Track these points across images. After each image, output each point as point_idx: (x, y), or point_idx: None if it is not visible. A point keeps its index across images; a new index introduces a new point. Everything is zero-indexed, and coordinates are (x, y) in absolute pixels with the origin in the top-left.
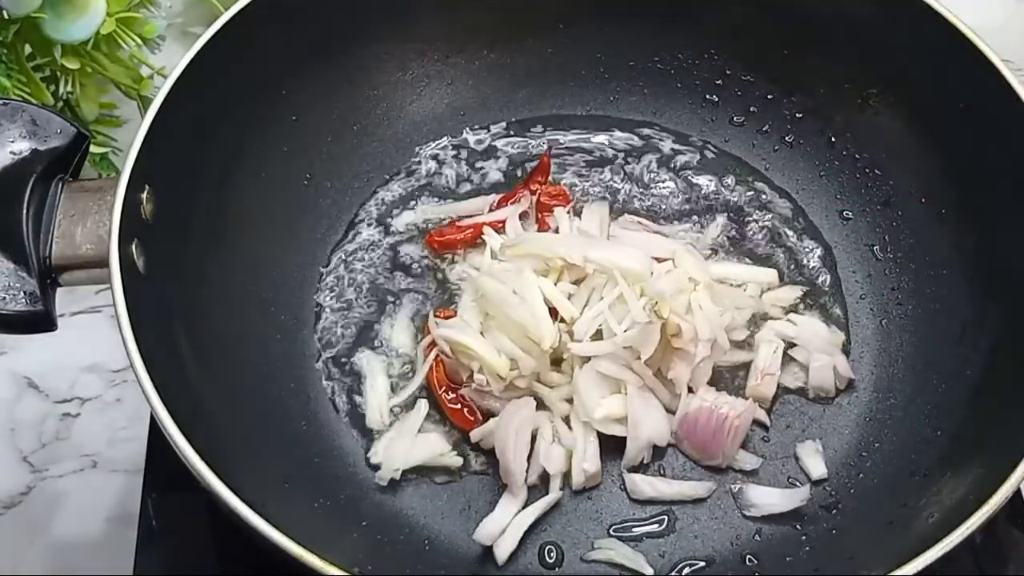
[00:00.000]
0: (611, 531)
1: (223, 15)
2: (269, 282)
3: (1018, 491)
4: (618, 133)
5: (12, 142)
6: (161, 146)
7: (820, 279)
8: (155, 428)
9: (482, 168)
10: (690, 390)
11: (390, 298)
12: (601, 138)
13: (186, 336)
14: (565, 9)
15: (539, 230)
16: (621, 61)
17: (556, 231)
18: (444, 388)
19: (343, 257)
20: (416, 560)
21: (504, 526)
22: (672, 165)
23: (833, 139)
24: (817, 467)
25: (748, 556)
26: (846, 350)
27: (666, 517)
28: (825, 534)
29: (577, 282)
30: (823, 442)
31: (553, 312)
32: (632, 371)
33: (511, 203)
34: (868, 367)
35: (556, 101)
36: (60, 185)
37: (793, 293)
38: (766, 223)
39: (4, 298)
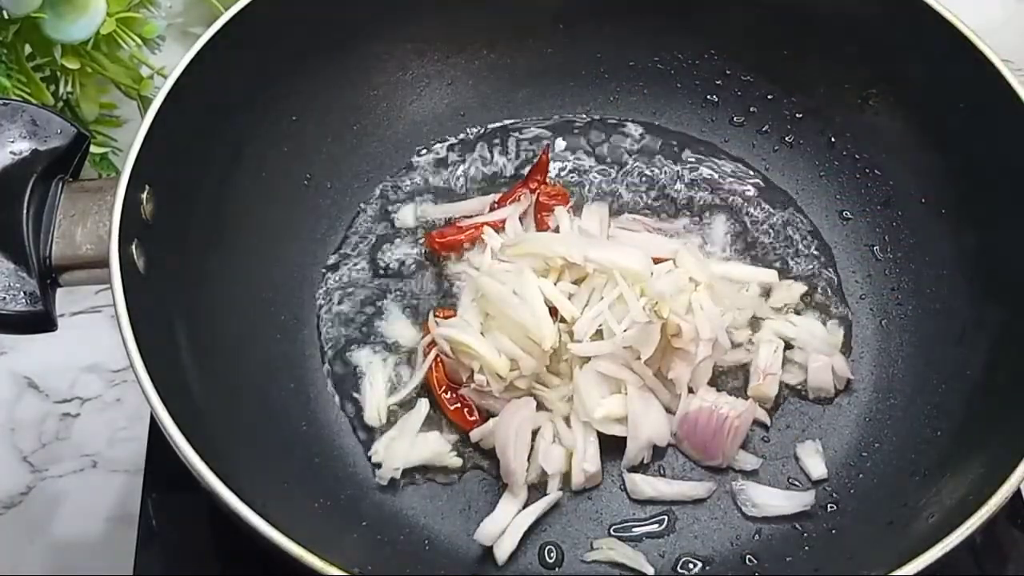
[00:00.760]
0: (611, 531)
1: (223, 15)
2: (269, 282)
3: (1018, 491)
4: (618, 133)
5: (12, 142)
6: (161, 146)
7: (820, 279)
8: (155, 428)
9: (482, 168)
10: (690, 390)
11: (390, 298)
12: (601, 138)
13: (186, 336)
14: (565, 9)
15: (539, 230)
16: (621, 61)
17: (556, 230)
18: (444, 388)
19: (343, 257)
20: (416, 560)
21: (504, 526)
22: (672, 165)
23: (833, 139)
24: (817, 467)
25: (748, 556)
26: (846, 350)
27: (666, 517)
28: (825, 534)
29: (577, 282)
30: (823, 442)
31: (553, 312)
32: (632, 371)
33: (511, 203)
34: (868, 367)
35: (556, 101)
36: (60, 185)
37: (793, 293)
38: (766, 223)
39: (4, 298)
